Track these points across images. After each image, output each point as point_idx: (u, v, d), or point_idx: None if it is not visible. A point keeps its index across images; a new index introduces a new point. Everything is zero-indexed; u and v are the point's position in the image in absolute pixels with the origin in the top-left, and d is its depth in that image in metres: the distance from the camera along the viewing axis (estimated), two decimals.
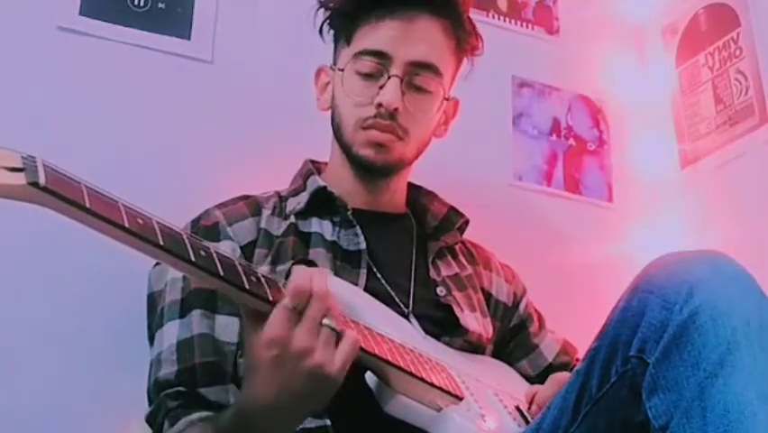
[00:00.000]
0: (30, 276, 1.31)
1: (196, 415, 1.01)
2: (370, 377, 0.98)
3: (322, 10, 1.29)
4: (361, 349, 0.92)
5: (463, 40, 1.29)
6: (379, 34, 1.22)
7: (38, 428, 1.26)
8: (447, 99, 1.29)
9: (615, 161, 1.88)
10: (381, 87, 1.21)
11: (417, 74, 1.23)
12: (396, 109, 1.20)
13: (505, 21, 1.87)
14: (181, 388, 1.05)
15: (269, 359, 0.85)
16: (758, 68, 1.69)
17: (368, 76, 1.22)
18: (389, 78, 1.20)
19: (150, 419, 1.07)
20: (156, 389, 1.07)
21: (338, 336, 0.87)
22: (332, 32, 1.31)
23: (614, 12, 1.96)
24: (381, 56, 1.21)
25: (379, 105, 1.20)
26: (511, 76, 1.83)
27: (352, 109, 1.23)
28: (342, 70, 1.24)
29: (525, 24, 1.90)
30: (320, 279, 0.88)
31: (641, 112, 1.91)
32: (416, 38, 1.22)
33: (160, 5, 1.54)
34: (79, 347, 1.30)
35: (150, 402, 1.08)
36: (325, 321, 0.86)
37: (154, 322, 1.14)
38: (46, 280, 1.31)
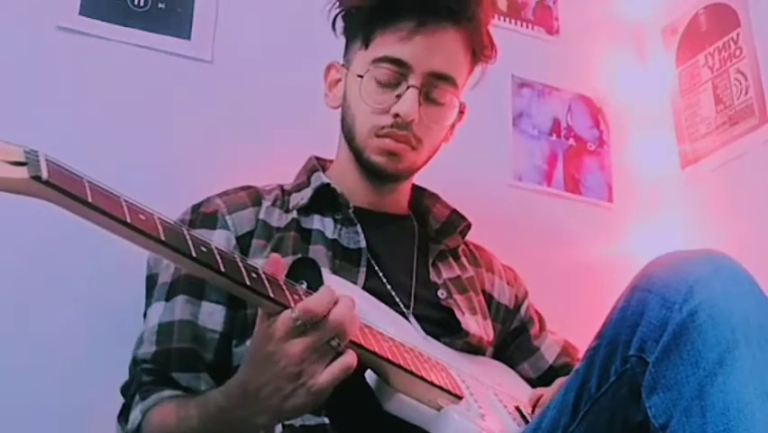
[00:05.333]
0: (30, 271, 1.31)
1: (167, 392, 1.05)
2: (369, 375, 0.98)
3: (337, 3, 1.27)
4: (361, 347, 0.92)
5: (479, 51, 1.28)
6: (400, 43, 1.20)
7: (37, 428, 1.26)
8: (462, 112, 1.28)
9: (615, 161, 1.88)
10: (398, 96, 1.20)
11: (436, 85, 1.21)
12: (412, 120, 1.19)
13: (505, 21, 1.87)
14: (156, 367, 1.09)
15: (265, 354, 0.87)
16: (758, 68, 1.69)
17: (386, 83, 1.21)
18: (408, 88, 1.19)
19: (124, 389, 1.11)
20: (134, 364, 1.11)
21: (337, 355, 0.88)
22: (344, 26, 1.28)
23: (614, 12, 1.96)
24: (402, 65, 1.20)
25: (396, 115, 1.19)
26: (511, 76, 1.83)
27: (368, 116, 1.21)
28: (362, 77, 1.21)
29: (525, 24, 1.90)
30: (342, 307, 0.87)
31: (641, 112, 1.91)
32: (437, 49, 1.21)
33: (160, 5, 1.54)
34: (78, 347, 1.30)
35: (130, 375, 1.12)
36: (333, 343, 0.87)
37: (147, 302, 1.18)
38: (46, 276, 1.31)
